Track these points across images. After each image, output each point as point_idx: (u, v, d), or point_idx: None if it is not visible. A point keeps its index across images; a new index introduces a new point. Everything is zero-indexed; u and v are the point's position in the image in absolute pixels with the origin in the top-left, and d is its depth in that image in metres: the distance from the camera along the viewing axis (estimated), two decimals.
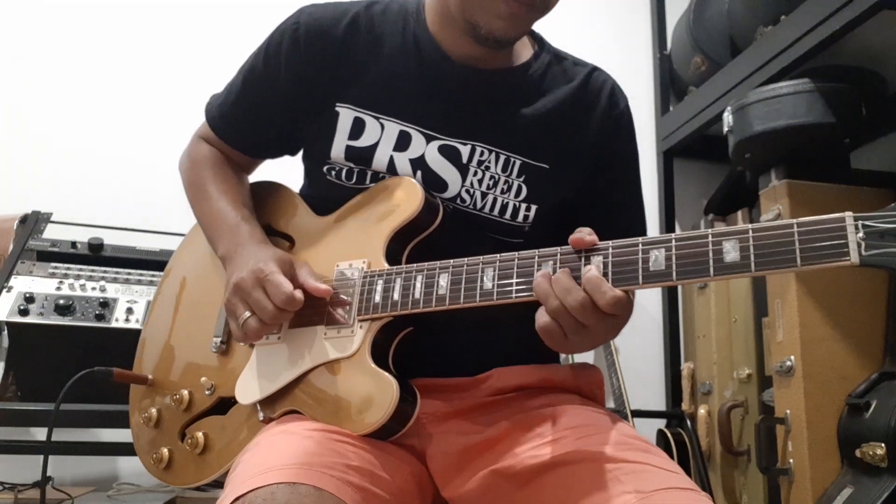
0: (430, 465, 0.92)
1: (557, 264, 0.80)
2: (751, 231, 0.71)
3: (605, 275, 0.76)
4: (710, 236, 0.73)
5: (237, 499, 0.73)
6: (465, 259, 0.87)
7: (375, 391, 0.86)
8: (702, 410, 2.12)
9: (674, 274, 0.74)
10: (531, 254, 0.82)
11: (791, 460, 1.60)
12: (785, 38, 1.84)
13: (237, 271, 0.92)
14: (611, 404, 2.13)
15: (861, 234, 0.66)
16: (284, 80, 1.04)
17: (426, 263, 0.90)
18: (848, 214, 0.67)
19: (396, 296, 0.89)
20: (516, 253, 0.84)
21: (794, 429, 1.59)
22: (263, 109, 1.08)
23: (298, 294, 0.88)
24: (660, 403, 2.42)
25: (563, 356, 1.46)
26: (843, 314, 1.62)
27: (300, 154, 1.14)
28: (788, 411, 1.61)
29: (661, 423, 2.23)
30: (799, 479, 1.57)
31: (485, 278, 0.84)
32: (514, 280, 0.82)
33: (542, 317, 0.78)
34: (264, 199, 1.13)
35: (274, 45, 1.06)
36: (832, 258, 0.66)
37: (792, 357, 1.61)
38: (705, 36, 2.33)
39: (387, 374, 0.87)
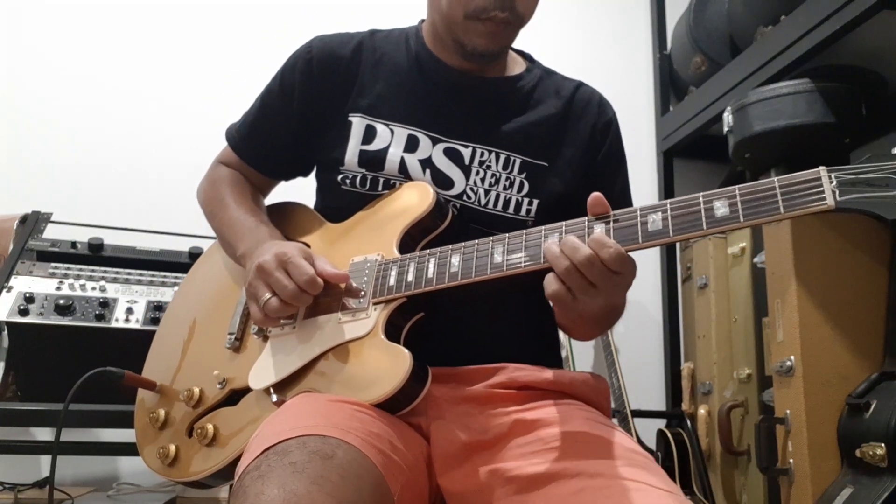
0: (433, 449, 0.93)
1: (563, 235, 0.85)
2: (737, 190, 0.78)
3: (617, 235, 0.82)
4: (700, 197, 0.80)
5: (268, 448, 0.75)
6: (476, 240, 0.92)
7: (389, 362, 0.89)
8: (702, 410, 2.12)
9: (670, 231, 0.80)
10: (538, 229, 0.88)
11: (791, 460, 1.60)
12: (785, 38, 1.84)
13: (260, 256, 0.96)
14: (611, 404, 2.13)
15: (834, 184, 0.74)
16: (299, 100, 1.13)
17: (438, 248, 0.95)
18: (822, 168, 0.75)
19: (410, 277, 0.94)
20: (524, 230, 0.89)
21: (794, 429, 1.59)
22: (280, 128, 1.16)
23: (319, 278, 0.93)
24: (660, 403, 2.42)
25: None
26: (843, 314, 1.62)
27: (312, 176, 1.21)
28: (788, 411, 1.61)
29: (661, 423, 2.23)
30: (799, 479, 1.57)
31: (495, 253, 0.89)
32: (523, 253, 0.87)
33: (551, 284, 0.83)
34: (280, 216, 1.18)
35: (289, 70, 1.15)
36: (811, 204, 0.74)
37: (792, 357, 1.61)
38: (705, 36, 2.33)
39: (400, 346, 0.90)
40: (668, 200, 0.82)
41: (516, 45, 1.20)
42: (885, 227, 1.67)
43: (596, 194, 0.85)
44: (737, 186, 0.78)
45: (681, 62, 2.51)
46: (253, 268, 0.96)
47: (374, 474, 0.77)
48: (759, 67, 1.95)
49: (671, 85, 2.64)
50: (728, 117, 1.94)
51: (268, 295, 0.93)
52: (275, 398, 0.95)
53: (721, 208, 0.78)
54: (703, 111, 2.26)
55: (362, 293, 0.96)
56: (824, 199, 0.73)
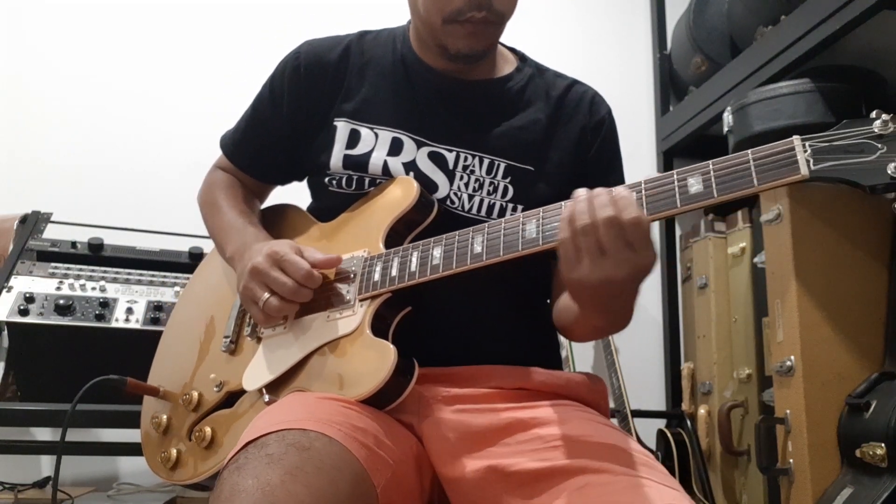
0: (427, 447, 0.93)
1: (541, 222, 0.85)
2: (711, 165, 0.77)
3: None
4: (675, 174, 0.79)
5: (249, 442, 0.76)
6: (457, 231, 0.92)
7: (374, 358, 0.89)
8: (702, 410, 2.12)
9: (644, 210, 0.78)
10: (516, 217, 0.89)
11: (791, 460, 1.60)
12: (785, 38, 1.84)
13: (252, 258, 0.97)
14: (611, 404, 2.13)
15: (808, 153, 0.72)
16: (288, 106, 1.13)
17: (421, 242, 0.95)
18: (795, 137, 0.73)
19: (394, 272, 0.94)
20: (502, 219, 0.89)
21: (794, 429, 1.59)
22: (271, 134, 1.16)
23: (316, 271, 0.94)
24: (660, 403, 2.42)
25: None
26: (843, 314, 1.62)
27: (306, 180, 1.20)
28: (788, 411, 1.61)
29: (661, 423, 2.23)
30: (799, 479, 1.57)
31: (475, 244, 0.89)
32: (502, 242, 0.88)
33: (564, 231, 0.78)
34: (273, 218, 1.20)
35: (278, 76, 1.16)
36: (785, 175, 0.72)
37: (792, 357, 1.61)
38: (705, 36, 2.33)
39: (385, 341, 0.90)
40: (643, 179, 0.81)
41: (512, 42, 1.19)
42: (885, 226, 1.67)
43: (579, 190, 0.82)
44: (711, 161, 0.77)
45: (681, 62, 2.51)
46: (246, 271, 0.96)
47: (354, 467, 0.77)
48: (759, 67, 1.95)
49: (671, 85, 2.64)
50: (728, 117, 1.94)
51: (266, 295, 0.94)
52: (267, 398, 0.96)
53: (695, 185, 0.77)
54: (703, 111, 2.26)
55: (349, 289, 0.97)
56: (798, 168, 0.71)
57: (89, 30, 2.29)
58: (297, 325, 0.99)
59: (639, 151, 2.56)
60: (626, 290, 0.79)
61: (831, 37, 1.69)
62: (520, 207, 1.05)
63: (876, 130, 0.71)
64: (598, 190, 0.78)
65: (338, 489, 0.73)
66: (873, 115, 0.72)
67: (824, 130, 1.87)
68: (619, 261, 0.76)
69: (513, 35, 1.16)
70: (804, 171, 0.71)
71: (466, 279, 0.91)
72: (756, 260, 1.91)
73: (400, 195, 1.01)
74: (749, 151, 0.75)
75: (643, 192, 0.80)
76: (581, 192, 0.79)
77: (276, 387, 0.97)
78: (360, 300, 0.95)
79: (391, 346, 0.89)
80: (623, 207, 0.76)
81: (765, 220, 1.73)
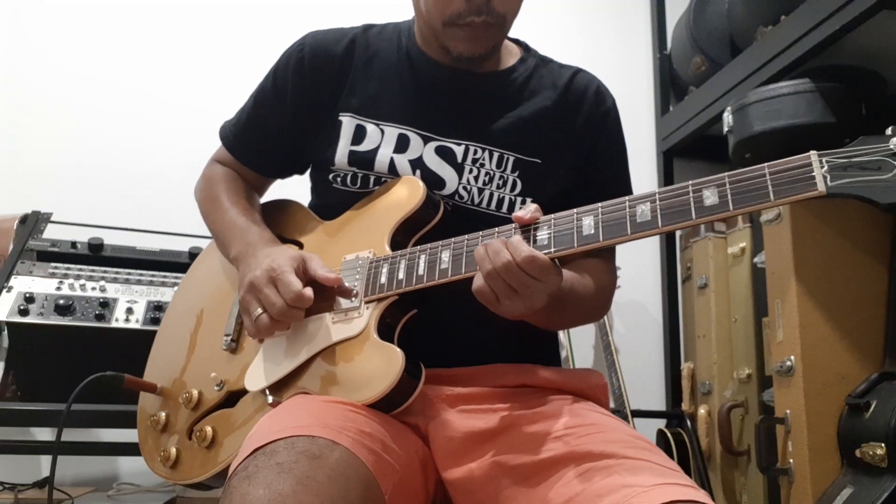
0: (433, 448, 0.93)
1: (552, 229, 0.86)
2: (727, 178, 0.76)
3: (605, 227, 0.82)
4: (689, 186, 0.78)
5: (257, 449, 0.76)
6: (466, 235, 0.92)
7: (381, 362, 0.88)
8: (702, 410, 2.12)
9: (659, 221, 0.79)
10: (527, 225, 0.88)
11: (791, 460, 1.60)
12: (785, 38, 1.84)
13: (251, 270, 0.96)
14: (611, 404, 2.13)
15: (826, 168, 0.72)
16: (291, 98, 1.11)
17: (428, 245, 0.95)
18: (812, 153, 0.73)
19: (401, 275, 0.93)
20: (511, 226, 0.89)
21: (794, 429, 1.59)
22: (273, 126, 1.15)
23: (308, 292, 0.92)
24: (660, 403, 2.42)
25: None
26: (843, 314, 1.62)
27: (307, 175, 1.20)
28: (788, 411, 1.61)
29: (661, 423, 2.23)
30: (799, 479, 1.57)
31: None
32: None
33: (477, 280, 0.85)
34: (274, 213, 1.18)
35: (282, 67, 1.14)
36: (802, 190, 0.72)
37: (792, 357, 1.61)
38: (705, 36, 2.33)
39: (392, 345, 0.90)
40: (657, 190, 0.81)
41: (512, 33, 1.19)
42: (885, 226, 1.67)
43: (516, 214, 0.87)
44: (727, 174, 0.77)
45: (681, 62, 2.51)
46: (246, 283, 0.96)
47: (363, 474, 0.77)
48: (759, 67, 1.95)
49: (671, 85, 2.64)
50: (728, 117, 1.94)
51: (259, 310, 0.94)
52: (270, 400, 0.95)
53: (710, 197, 0.76)
54: (703, 111, 2.26)
55: (354, 293, 0.96)
56: (815, 184, 0.71)
57: (89, 29, 2.29)
58: (302, 326, 0.98)
59: (639, 151, 2.56)
60: (545, 304, 0.86)
61: (831, 37, 1.69)
62: (528, 201, 1.04)
63: (892, 148, 0.71)
64: (492, 241, 0.84)
65: (348, 497, 0.73)
66: (889, 131, 0.72)
67: (824, 130, 1.86)
68: (531, 294, 0.83)
69: (512, 35, 1.16)
70: (821, 187, 0.71)
71: (469, 280, 0.91)
72: (756, 260, 1.91)
73: (406, 195, 1.01)
74: (765, 165, 0.74)
75: (657, 202, 0.79)
76: (479, 247, 0.85)
77: (279, 388, 0.96)
78: (367, 302, 0.95)
79: (398, 350, 0.88)
80: (514, 250, 0.81)
81: (765, 220, 1.73)
